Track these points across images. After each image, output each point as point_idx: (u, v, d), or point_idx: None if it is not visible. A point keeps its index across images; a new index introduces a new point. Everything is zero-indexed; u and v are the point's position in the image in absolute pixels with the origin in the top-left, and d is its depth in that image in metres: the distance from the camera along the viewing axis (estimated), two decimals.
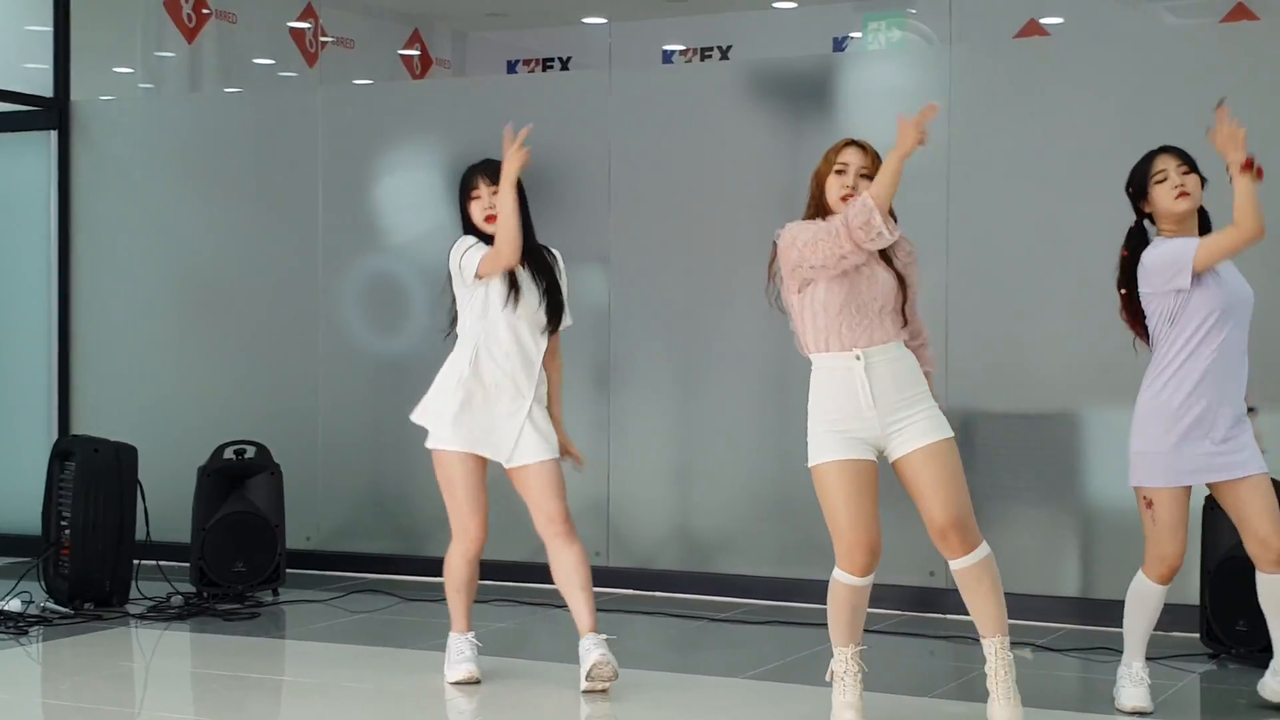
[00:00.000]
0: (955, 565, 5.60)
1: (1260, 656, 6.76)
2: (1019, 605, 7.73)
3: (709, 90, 8.79)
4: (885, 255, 5.60)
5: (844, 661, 5.68)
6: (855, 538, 5.55)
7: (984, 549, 5.60)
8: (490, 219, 6.45)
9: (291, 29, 10.01)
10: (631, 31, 9.20)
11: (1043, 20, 8.47)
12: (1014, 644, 5.67)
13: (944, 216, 8.05)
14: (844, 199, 5.56)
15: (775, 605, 8.13)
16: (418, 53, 10.22)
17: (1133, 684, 6.05)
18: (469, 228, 6.56)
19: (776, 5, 9.18)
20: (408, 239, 9.33)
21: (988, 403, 7.83)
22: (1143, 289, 5.95)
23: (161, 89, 10.42)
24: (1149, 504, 5.94)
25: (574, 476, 8.84)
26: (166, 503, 8.69)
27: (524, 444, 6.46)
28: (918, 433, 5.53)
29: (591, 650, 6.34)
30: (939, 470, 5.52)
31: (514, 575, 8.90)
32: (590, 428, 8.80)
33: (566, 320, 6.61)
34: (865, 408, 5.51)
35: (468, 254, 6.43)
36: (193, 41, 10.20)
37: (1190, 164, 5.98)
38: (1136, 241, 6.05)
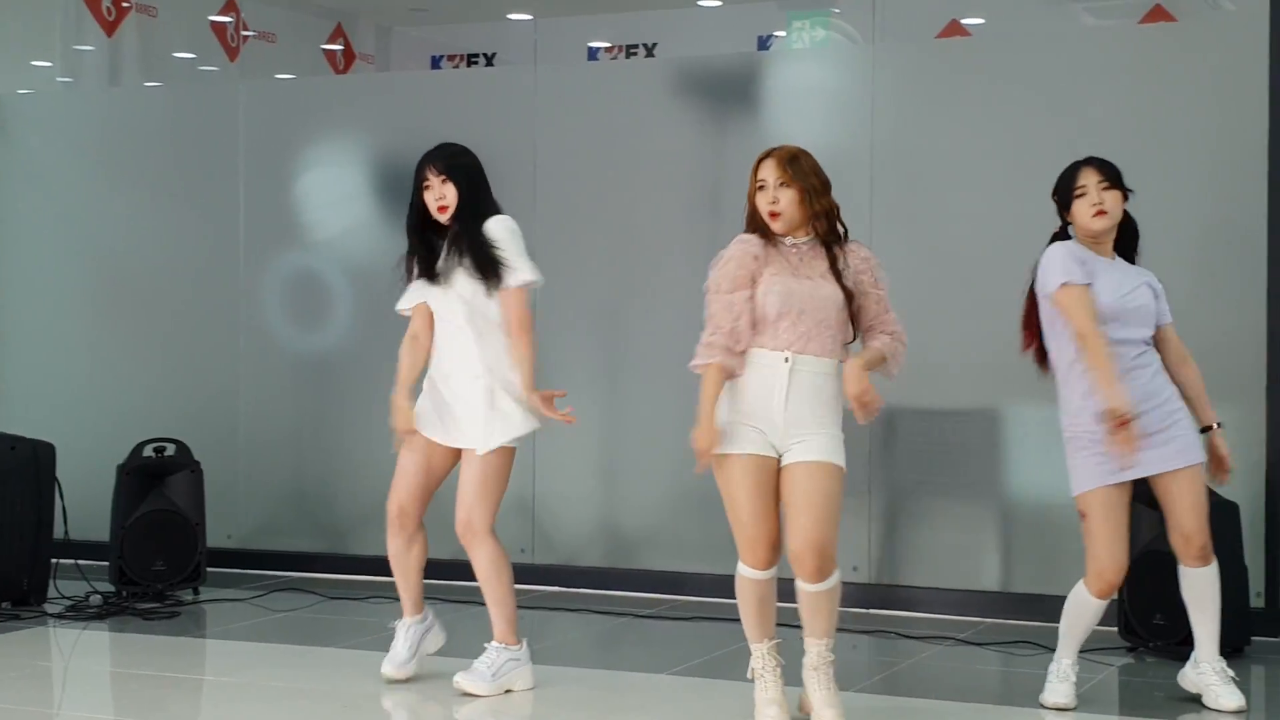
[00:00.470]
0: (803, 587, 5.55)
1: (1178, 649, 6.84)
2: (940, 600, 7.82)
3: (634, 88, 8.80)
4: (834, 270, 5.62)
5: (761, 658, 5.72)
6: (757, 531, 5.57)
7: (834, 578, 5.57)
8: (441, 209, 6.39)
9: (213, 23, 9.95)
10: (557, 28, 9.21)
11: (964, 20, 8.54)
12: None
13: (867, 214, 8.08)
14: (770, 215, 5.59)
15: (700, 601, 8.14)
16: (341, 48, 10.18)
17: (1059, 680, 6.09)
18: (420, 216, 6.47)
19: (701, 4, 9.21)
20: (330, 235, 9.29)
21: (908, 399, 7.87)
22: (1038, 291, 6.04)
23: (81, 83, 10.34)
24: (1083, 515, 5.94)
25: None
26: (85, 501, 8.62)
27: (465, 428, 6.37)
28: (812, 449, 5.51)
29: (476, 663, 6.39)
30: (816, 491, 5.49)
31: (440, 573, 8.89)
32: None
33: (515, 277, 6.45)
34: (776, 410, 5.51)
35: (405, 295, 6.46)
36: (113, 35, 10.12)
37: (1112, 179, 5.98)
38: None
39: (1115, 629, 7.20)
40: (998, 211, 7.92)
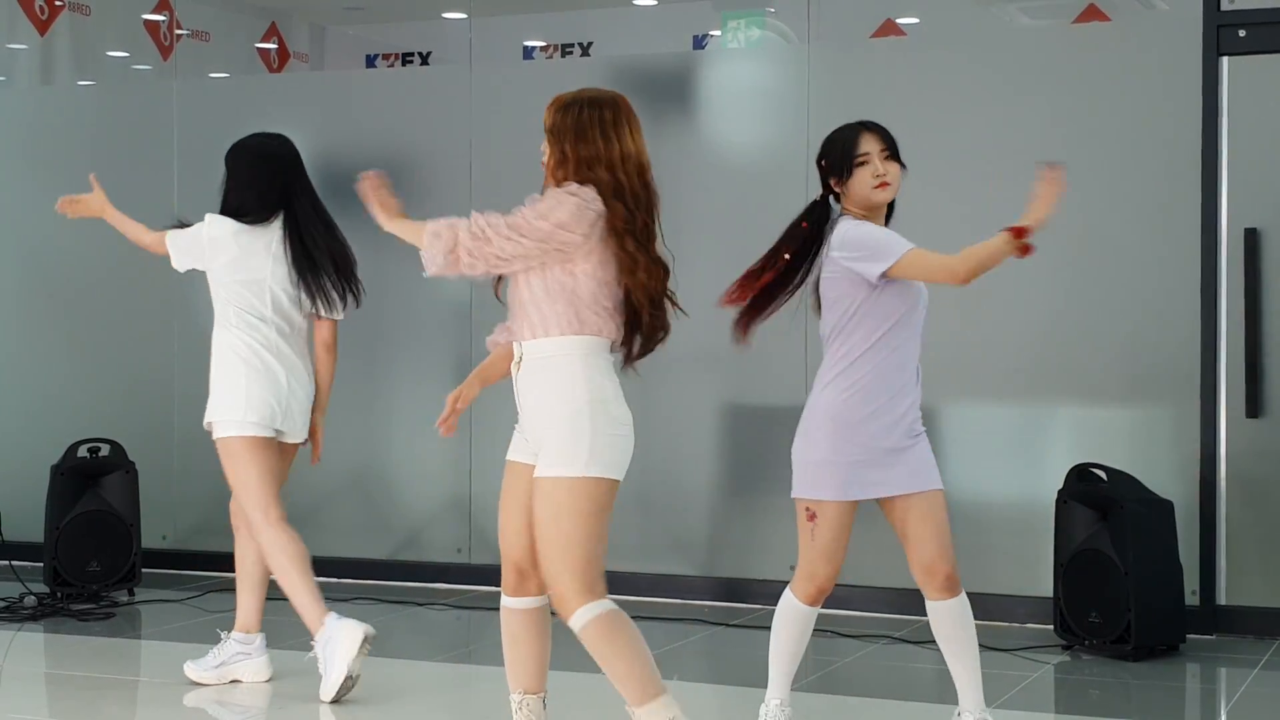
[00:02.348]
0: (573, 623, 4.70)
1: (1114, 648, 6.90)
2: (876, 598, 7.84)
3: (570, 87, 8.72)
4: None
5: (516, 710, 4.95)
6: (502, 545, 4.87)
7: (597, 607, 4.65)
8: None
9: (146, 21, 9.87)
10: (492, 27, 9.17)
11: (899, 20, 8.55)
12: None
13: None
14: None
15: (636, 601, 8.14)
16: (275, 46, 10.12)
17: None
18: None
19: (637, 3, 9.20)
20: None
21: None
22: (828, 270, 5.30)
23: (12, 81, 10.24)
24: (811, 517, 5.26)
25: (437, 475, 8.87)
26: (19, 501, 8.56)
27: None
28: (540, 464, 4.70)
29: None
30: (537, 515, 4.66)
31: (376, 573, 8.88)
32: None
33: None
34: (520, 409, 4.82)
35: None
36: (45, 33, 10.03)
37: (894, 149, 5.34)
38: (819, 215, 5.40)
39: (1051, 627, 7.25)
40: (932, 210, 7.95)
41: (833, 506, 5.24)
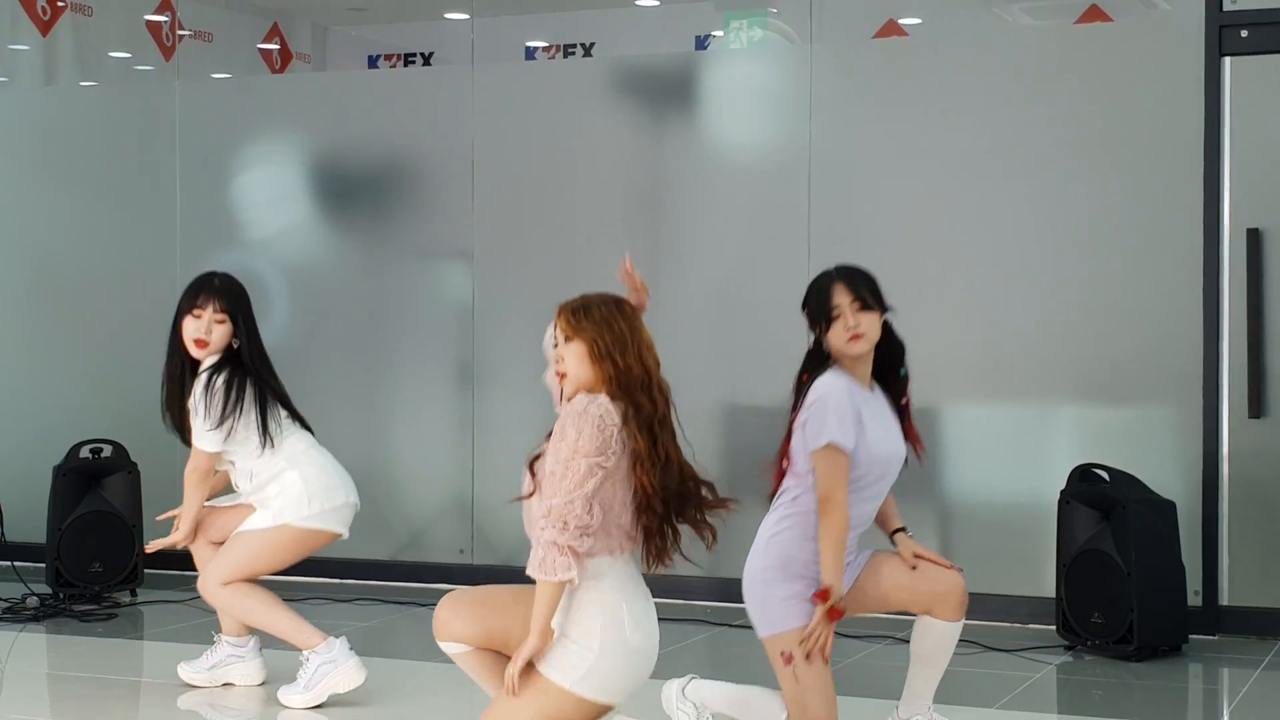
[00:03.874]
0: None
1: (1117, 648, 6.89)
2: None
3: (572, 87, 8.79)
4: None
5: None
6: (465, 605, 5.09)
7: None
8: (199, 343, 6.35)
9: (148, 22, 9.87)
10: (494, 28, 9.17)
11: (901, 21, 8.55)
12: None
13: (805, 214, 8.11)
14: (558, 377, 4.94)
15: None
16: (277, 47, 10.12)
17: None
18: (177, 341, 6.44)
19: (639, 3, 9.19)
20: (266, 235, 9.24)
21: None
22: (800, 415, 5.24)
23: (15, 82, 10.24)
24: (789, 660, 5.10)
25: (439, 476, 8.86)
26: (21, 502, 8.56)
27: None
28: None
29: None
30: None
31: (378, 574, 8.88)
32: (453, 425, 8.79)
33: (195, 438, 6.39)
34: None
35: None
36: (47, 34, 10.03)
37: (864, 297, 5.21)
38: (814, 364, 5.31)
39: (1053, 628, 7.25)
40: (935, 211, 7.96)
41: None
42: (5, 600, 8.12)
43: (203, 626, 7.71)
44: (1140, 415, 7.66)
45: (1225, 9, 7.50)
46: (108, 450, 8.51)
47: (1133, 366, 7.62)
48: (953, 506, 7.96)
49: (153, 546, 6.54)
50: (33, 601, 8.13)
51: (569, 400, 4.80)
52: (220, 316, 6.32)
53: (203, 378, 6.30)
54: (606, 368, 4.74)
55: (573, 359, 4.80)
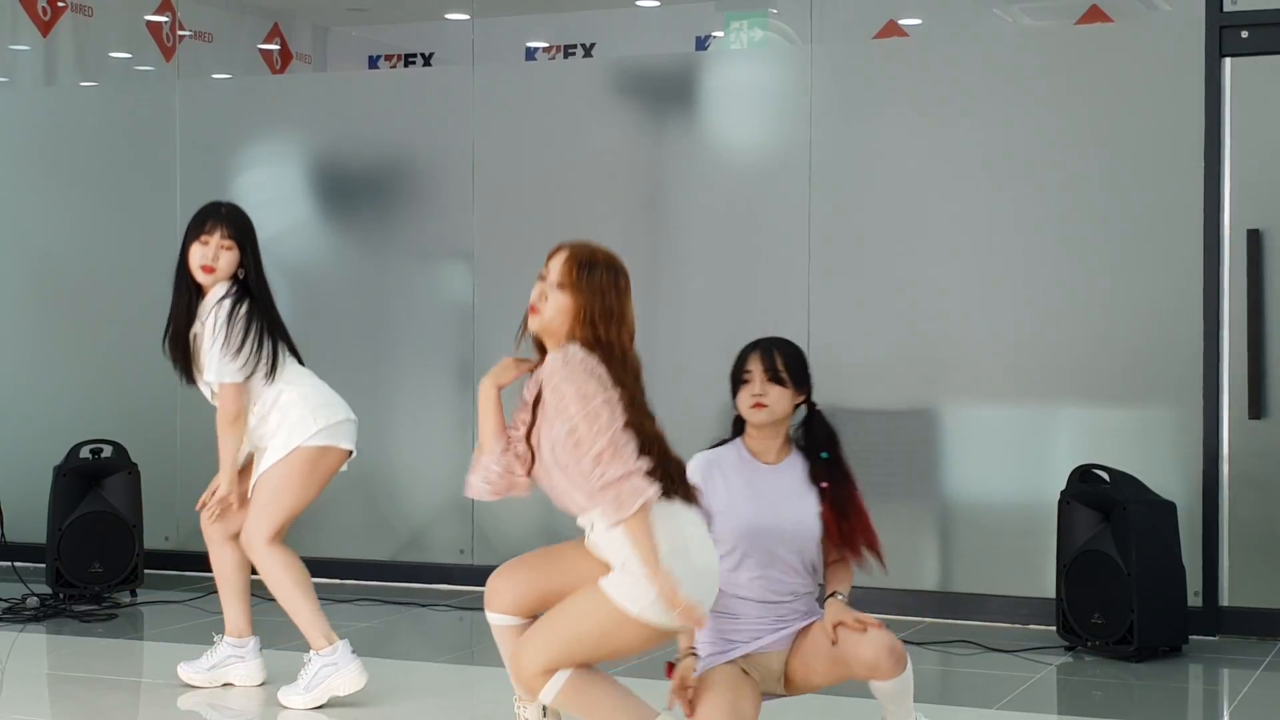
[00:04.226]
0: (543, 697, 4.75)
1: (1117, 648, 6.90)
2: (879, 600, 7.83)
3: (572, 88, 8.79)
4: None
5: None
6: (505, 575, 5.09)
7: (561, 676, 4.70)
8: (206, 269, 6.33)
9: (149, 22, 9.87)
10: (494, 28, 9.17)
11: (901, 21, 8.55)
12: None
13: (805, 214, 8.11)
14: (530, 309, 4.77)
15: None
16: (277, 47, 10.12)
17: None
18: (184, 269, 6.42)
19: (639, 4, 9.19)
20: (267, 235, 9.10)
21: (848, 399, 7.89)
22: None
23: (15, 82, 10.24)
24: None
25: (440, 477, 8.85)
26: (21, 502, 8.56)
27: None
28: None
29: None
30: (579, 599, 4.71)
31: (378, 574, 8.87)
32: (454, 425, 8.79)
33: (205, 375, 6.39)
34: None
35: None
36: (48, 34, 10.03)
37: (776, 370, 5.18)
38: (736, 431, 5.32)
39: (1053, 628, 7.24)
40: (935, 212, 7.96)
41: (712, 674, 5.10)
42: (5, 600, 8.11)
43: (203, 627, 7.71)
44: (1141, 416, 7.66)
45: (1225, 10, 7.50)
46: (108, 450, 8.51)
47: (1133, 367, 7.62)
48: (953, 507, 7.96)
49: (201, 504, 6.44)
50: (33, 602, 8.13)
51: (527, 336, 4.78)
52: (227, 243, 6.33)
53: (224, 304, 6.29)
54: (587, 333, 4.68)
55: (556, 310, 4.70)
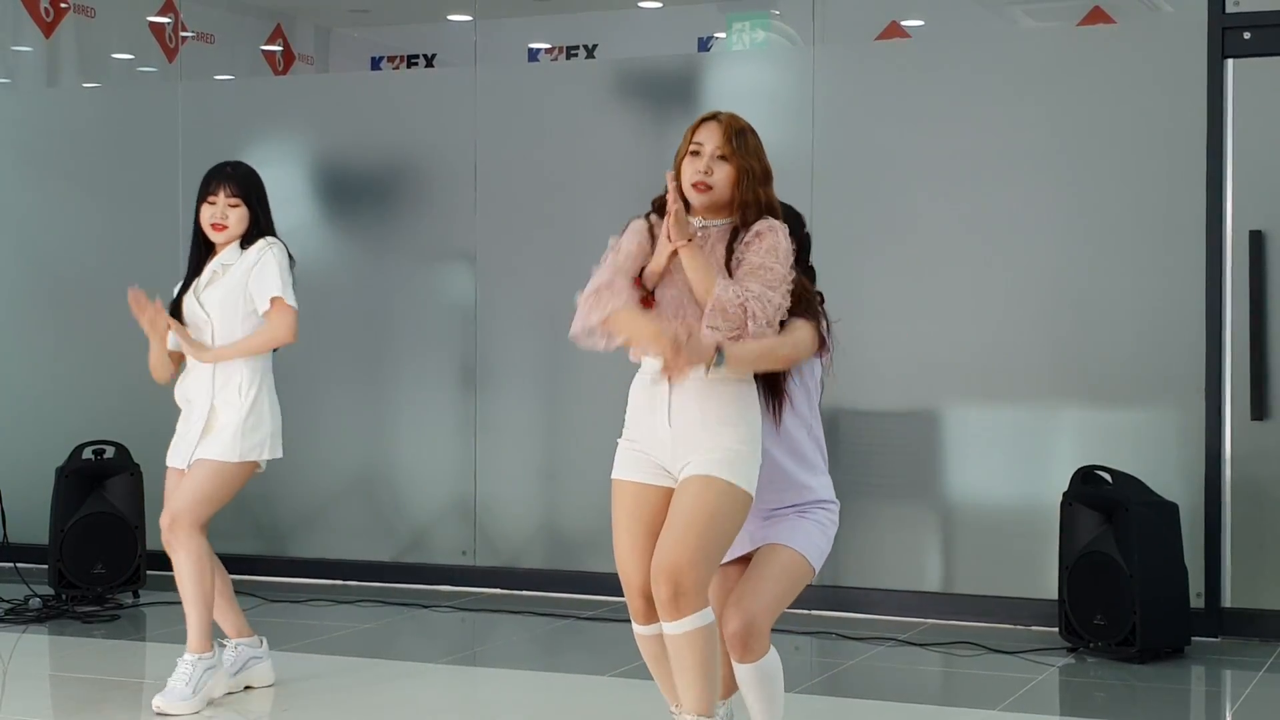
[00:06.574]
0: (666, 629, 4.60)
1: (1119, 650, 6.89)
2: (882, 600, 7.85)
3: (575, 89, 8.79)
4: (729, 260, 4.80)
5: None
6: (629, 571, 4.79)
7: (699, 618, 4.53)
8: (217, 227, 6.39)
9: (151, 23, 9.88)
10: (497, 29, 9.17)
11: (904, 22, 8.55)
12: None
13: (807, 215, 8.08)
14: (695, 186, 4.78)
15: None
16: (280, 48, 10.12)
17: None
18: (198, 231, 6.49)
19: (642, 5, 9.20)
20: None
21: (850, 401, 7.90)
22: None
23: (17, 83, 10.25)
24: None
25: (442, 478, 8.85)
26: (24, 503, 8.56)
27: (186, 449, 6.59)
28: (695, 465, 4.64)
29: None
30: (686, 509, 4.60)
31: (381, 576, 8.87)
32: (457, 427, 8.79)
33: (259, 300, 6.40)
34: (661, 427, 4.77)
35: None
36: (50, 36, 10.03)
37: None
38: None
39: (1056, 630, 7.24)
40: (938, 213, 7.96)
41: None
42: (8, 601, 8.12)
43: None
44: (1143, 417, 7.66)
45: (1228, 11, 7.50)
46: (110, 451, 8.51)
47: (1135, 368, 7.62)
48: (955, 508, 7.95)
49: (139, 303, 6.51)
50: (35, 603, 8.13)
51: (699, 214, 4.84)
52: (234, 201, 6.40)
53: (276, 245, 6.40)
54: (748, 195, 4.77)
55: (724, 179, 4.78)
